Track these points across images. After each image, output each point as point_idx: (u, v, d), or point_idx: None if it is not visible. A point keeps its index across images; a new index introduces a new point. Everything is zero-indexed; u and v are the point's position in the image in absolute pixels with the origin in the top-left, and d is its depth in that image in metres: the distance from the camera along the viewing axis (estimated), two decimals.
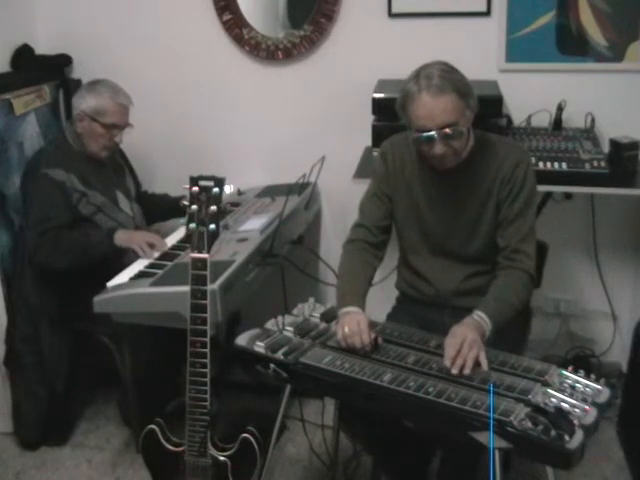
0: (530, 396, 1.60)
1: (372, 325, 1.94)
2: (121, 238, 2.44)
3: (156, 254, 2.40)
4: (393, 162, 2.09)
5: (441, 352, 1.82)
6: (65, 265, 2.40)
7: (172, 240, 2.52)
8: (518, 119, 2.67)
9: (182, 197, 2.72)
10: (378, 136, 2.37)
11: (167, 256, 2.38)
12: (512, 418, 1.52)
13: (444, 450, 1.98)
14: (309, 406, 2.62)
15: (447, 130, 1.84)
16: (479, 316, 1.84)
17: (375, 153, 2.34)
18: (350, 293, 1.98)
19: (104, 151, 2.55)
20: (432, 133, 1.84)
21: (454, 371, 1.71)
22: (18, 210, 2.59)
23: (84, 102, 2.48)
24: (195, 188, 1.77)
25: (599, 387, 1.66)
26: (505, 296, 1.92)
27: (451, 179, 2.01)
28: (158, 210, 2.81)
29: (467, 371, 1.71)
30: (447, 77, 1.84)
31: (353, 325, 1.85)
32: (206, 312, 1.80)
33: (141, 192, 2.84)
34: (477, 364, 1.73)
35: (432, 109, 1.82)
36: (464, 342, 1.74)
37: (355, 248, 2.10)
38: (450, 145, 1.88)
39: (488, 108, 2.41)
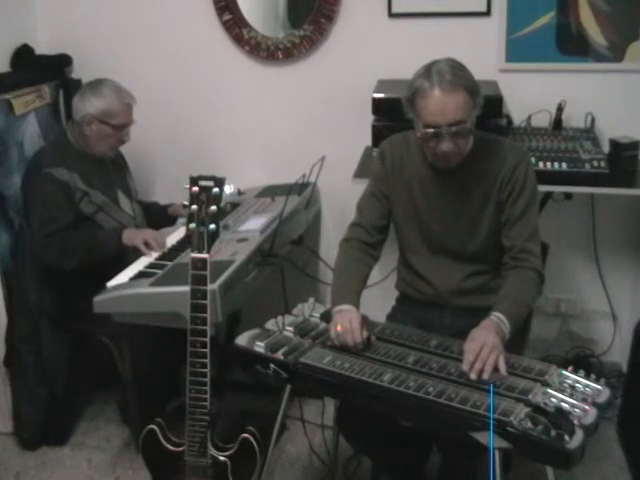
0: (530, 396, 1.61)
1: (368, 323, 1.95)
2: (127, 237, 2.46)
3: (157, 253, 2.41)
4: (392, 162, 2.08)
5: (441, 352, 1.82)
6: (73, 266, 2.41)
7: (172, 240, 2.53)
8: (518, 119, 2.67)
9: (169, 205, 2.74)
10: (378, 136, 2.37)
11: (167, 256, 2.38)
12: (512, 418, 1.52)
13: (444, 451, 1.98)
14: (309, 406, 2.62)
15: (456, 127, 1.84)
16: (498, 317, 1.83)
17: (375, 153, 2.34)
18: (344, 291, 1.98)
19: (112, 151, 2.58)
20: (441, 129, 1.84)
21: (472, 376, 1.70)
22: (18, 210, 2.59)
23: (90, 105, 2.47)
24: (195, 188, 1.77)
25: (599, 387, 1.66)
26: (519, 296, 1.91)
27: (450, 178, 2.01)
28: (149, 218, 2.78)
29: (486, 376, 1.70)
30: (459, 74, 1.84)
31: (345, 323, 1.85)
32: (206, 312, 1.80)
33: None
34: (496, 368, 1.73)
35: (444, 105, 1.82)
36: (484, 347, 1.73)
37: (351, 247, 2.10)
38: (456, 143, 1.88)
39: (488, 108, 2.38)
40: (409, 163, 2.06)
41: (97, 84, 2.52)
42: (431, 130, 1.86)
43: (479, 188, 2.00)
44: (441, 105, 1.82)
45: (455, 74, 1.83)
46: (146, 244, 2.42)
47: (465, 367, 1.73)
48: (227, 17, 2.83)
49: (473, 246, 2.05)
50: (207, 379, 1.84)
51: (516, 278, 1.96)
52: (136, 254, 2.42)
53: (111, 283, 2.22)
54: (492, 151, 2.00)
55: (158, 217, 2.78)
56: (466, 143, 1.93)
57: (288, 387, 1.94)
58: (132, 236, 2.46)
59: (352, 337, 1.83)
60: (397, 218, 2.12)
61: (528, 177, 1.98)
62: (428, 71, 1.86)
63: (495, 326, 1.80)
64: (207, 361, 1.82)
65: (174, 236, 2.56)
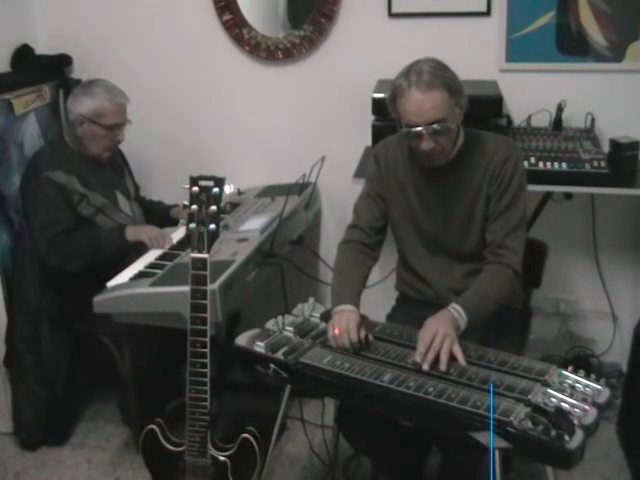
0: (530, 396, 1.60)
1: (368, 323, 1.95)
2: (131, 232, 2.47)
3: (166, 246, 2.42)
4: (386, 163, 2.09)
5: None
6: (78, 267, 2.41)
7: (173, 240, 2.52)
8: (518, 119, 2.67)
9: (173, 206, 2.75)
10: (378, 136, 2.37)
11: (167, 256, 2.38)
12: (512, 418, 1.52)
13: (444, 451, 1.98)
14: (309, 406, 2.62)
15: (435, 126, 1.84)
16: (454, 309, 1.83)
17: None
18: (344, 291, 1.97)
19: (106, 151, 2.55)
20: (420, 129, 1.85)
21: (425, 367, 1.71)
22: (18, 210, 2.59)
23: (81, 105, 2.47)
24: (195, 188, 1.77)
25: (599, 387, 1.66)
26: (485, 290, 1.91)
27: (442, 177, 2.01)
28: (149, 217, 2.79)
29: (442, 367, 1.70)
30: (437, 74, 1.84)
31: (342, 324, 1.85)
32: (206, 312, 1.80)
33: (139, 196, 2.84)
34: (454, 359, 1.73)
35: (421, 105, 1.83)
36: (436, 336, 1.73)
37: (350, 249, 2.10)
38: (437, 142, 1.88)
39: (488, 108, 2.42)
40: (402, 163, 2.07)
41: (89, 84, 2.53)
42: (410, 129, 1.87)
43: (470, 184, 2.00)
44: (418, 104, 1.83)
45: (433, 73, 1.83)
46: (150, 240, 2.43)
47: (417, 358, 1.73)
48: (227, 17, 2.83)
49: (469, 244, 2.05)
50: (207, 379, 1.84)
51: (488, 273, 1.96)
52: (137, 254, 2.42)
53: (111, 283, 2.22)
54: (483, 147, 2.00)
55: (159, 217, 2.78)
56: (448, 141, 1.93)
57: (288, 387, 1.93)
58: (136, 231, 2.48)
59: (348, 337, 1.83)
60: (393, 219, 2.12)
61: (516, 172, 1.97)
62: (408, 71, 1.87)
63: (450, 316, 1.81)
64: (207, 361, 1.82)
65: (174, 236, 2.56)
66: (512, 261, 1.95)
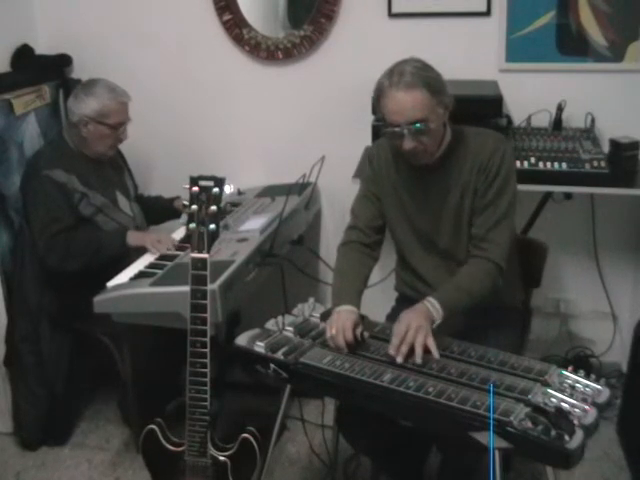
0: (530, 396, 1.60)
1: (368, 323, 1.95)
2: (133, 238, 2.47)
3: (166, 249, 2.42)
4: (379, 164, 2.10)
5: (441, 352, 1.81)
6: (77, 267, 2.41)
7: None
8: (518, 119, 2.67)
9: (175, 198, 2.75)
10: (378, 136, 2.37)
11: (167, 256, 2.38)
12: (512, 418, 1.52)
13: (444, 451, 1.98)
14: (309, 406, 2.62)
15: (416, 126, 1.84)
16: (430, 302, 1.84)
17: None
18: (343, 292, 1.97)
19: (111, 150, 2.56)
20: (401, 128, 1.85)
21: (399, 360, 1.72)
22: (18, 210, 2.59)
23: (85, 106, 2.46)
24: (195, 188, 1.77)
25: (599, 387, 1.66)
26: (464, 284, 1.91)
27: (432, 175, 2.01)
28: (152, 213, 2.80)
29: (418, 360, 1.71)
30: (419, 74, 1.85)
31: (338, 324, 1.85)
32: (206, 312, 1.80)
33: (137, 194, 2.84)
34: (429, 351, 1.74)
35: (402, 104, 1.84)
36: (409, 329, 1.74)
37: (350, 249, 2.10)
38: (420, 141, 1.88)
39: (488, 108, 2.42)
40: (394, 163, 2.07)
41: (90, 85, 2.52)
42: (392, 129, 1.87)
43: (460, 181, 1.99)
44: (399, 104, 1.84)
45: (415, 73, 1.84)
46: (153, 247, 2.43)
47: (391, 351, 1.74)
48: (227, 17, 2.83)
49: (461, 242, 2.03)
50: (207, 379, 1.84)
51: (469, 267, 1.96)
52: (137, 254, 2.42)
53: (111, 283, 2.22)
54: (471, 143, 2.00)
55: (163, 211, 2.79)
56: (431, 141, 1.92)
57: (288, 387, 1.94)
58: (139, 237, 2.47)
59: (342, 337, 1.83)
60: (390, 219, 2.12)
61: (504, 164, 1.96)
62: (391, 71, 1.88)
63: (424, 309, 1.82)
64: (207, 361, 1.82)
65: (174, 236, 2.56)
66: (495, 255, 1.94)
